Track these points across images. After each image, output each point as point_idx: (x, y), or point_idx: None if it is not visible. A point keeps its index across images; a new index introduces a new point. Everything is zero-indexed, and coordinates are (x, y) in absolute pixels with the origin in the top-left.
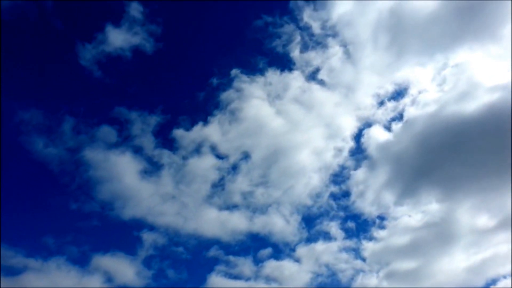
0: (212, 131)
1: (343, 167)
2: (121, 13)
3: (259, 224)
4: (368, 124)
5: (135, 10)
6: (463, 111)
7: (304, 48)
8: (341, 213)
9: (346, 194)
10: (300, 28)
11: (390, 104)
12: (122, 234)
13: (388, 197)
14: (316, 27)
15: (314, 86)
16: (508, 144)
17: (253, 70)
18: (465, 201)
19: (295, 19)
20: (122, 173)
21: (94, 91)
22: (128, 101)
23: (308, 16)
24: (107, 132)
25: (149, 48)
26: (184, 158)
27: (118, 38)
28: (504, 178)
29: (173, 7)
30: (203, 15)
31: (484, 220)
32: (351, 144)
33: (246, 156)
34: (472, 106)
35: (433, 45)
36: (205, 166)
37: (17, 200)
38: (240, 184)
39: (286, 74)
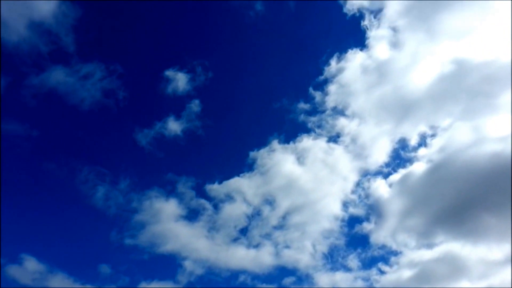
0: (242, 183)
1: (357, 212)
2: (183, 108)
3: (284, 257)
4: (378, 175)
5: (196, 105)
6: (469, 160)
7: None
8: (358, 249)
9: (363, 236)
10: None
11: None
12: (166, 265)
13: (400, 235)
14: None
15: (333, 146)
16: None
17: (286, 138)
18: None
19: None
20: (166, 217)
21: (147, 162)
22: (177, 168)
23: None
24: (157, 192)
25: (200, 130)
26: (218, 204)
27: (175, 126)
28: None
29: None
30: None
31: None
32: (365, 192)
33: (271, 203)
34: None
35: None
36: (235, 212)
37: (81, 236)
38: (264, 226)
39: (310, 138)
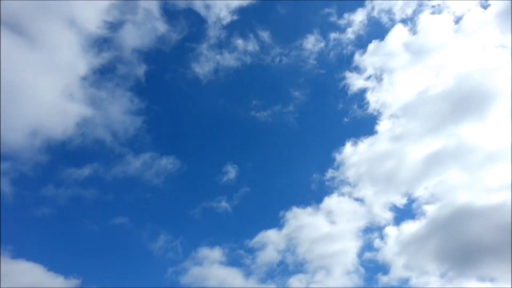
0: (272, 235)
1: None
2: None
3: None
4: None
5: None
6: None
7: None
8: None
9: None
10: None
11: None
12: None
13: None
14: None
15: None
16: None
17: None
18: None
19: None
20: (210, 262)
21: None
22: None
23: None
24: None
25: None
26: (254, 252)
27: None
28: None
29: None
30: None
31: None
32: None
33: (293, 248)
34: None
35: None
36: (267, 258)
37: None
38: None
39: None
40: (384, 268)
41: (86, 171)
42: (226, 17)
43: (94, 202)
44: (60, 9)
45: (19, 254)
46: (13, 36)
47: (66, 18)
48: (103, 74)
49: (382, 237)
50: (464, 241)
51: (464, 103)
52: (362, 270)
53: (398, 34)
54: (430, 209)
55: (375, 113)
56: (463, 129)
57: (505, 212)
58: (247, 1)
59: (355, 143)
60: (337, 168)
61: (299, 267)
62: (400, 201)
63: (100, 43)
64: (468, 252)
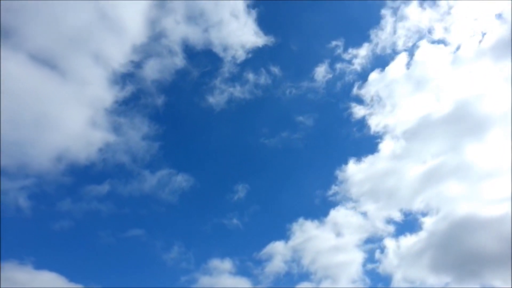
0: (279, 247)
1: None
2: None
3: None
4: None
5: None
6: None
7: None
8: None
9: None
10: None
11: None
12: None
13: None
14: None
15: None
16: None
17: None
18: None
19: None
20: (220, 272)
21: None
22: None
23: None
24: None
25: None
26: (262, 263)
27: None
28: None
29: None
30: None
31: None
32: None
33: (300, 259)
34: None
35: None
36: (275, 268)
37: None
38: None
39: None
40: (386, 279)
41: (105, 187)
42: (241, 55)
43: (111, 216)
44: (90, 46)
45: (41, 265)
46: (46, 70)
47: (95, 54)
48: (125, 104)
49: (383, 250)
50: (464, 253)
51: (463, 126)
52: (367, 280)
53: (400, 64)
54: (430, 222)
55: (377, 136)
56: (463, 148)
57: (505, 223)
58: (261, 40)
59: (357, 162)
60: (340, 184)
61: (305, 277)
62: (402, 214)
63: (125, 78)
64: (469, 264)
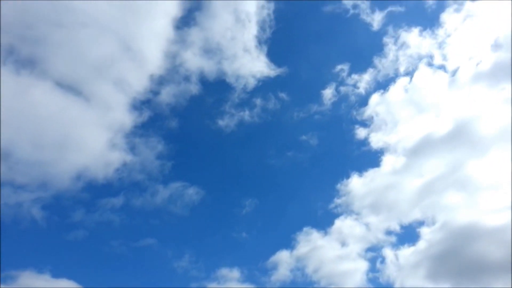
0: (285, 255)
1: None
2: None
3: None
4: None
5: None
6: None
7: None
8: None
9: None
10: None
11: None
12: None
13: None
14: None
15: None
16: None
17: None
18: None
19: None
20: (228, 280)
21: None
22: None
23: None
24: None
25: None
26: (269, 271)
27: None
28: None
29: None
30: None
31: None
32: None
33: (304, 267)
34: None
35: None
36: (280, 276)
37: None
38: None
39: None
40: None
41: (120, 200)
42: (252, 84)
43: (125, 227)
44: (113, 74)
45: (59, 273)
46: (71, 96)
47: (117, 82)
48: (142, 127)
49: (384, 259)
50: (465, 262)
51: (463, 143)
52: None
53: (401, 87)
54: (431, 232)
55: (379, 152)
56: (462, 163)
57: (505, 233)
58: (271, 71)
59: (359, 176)
60: (343, 197)
61: (310, 285)
62: (401, 225)
63: (143, 103)
64: (470, 273)
